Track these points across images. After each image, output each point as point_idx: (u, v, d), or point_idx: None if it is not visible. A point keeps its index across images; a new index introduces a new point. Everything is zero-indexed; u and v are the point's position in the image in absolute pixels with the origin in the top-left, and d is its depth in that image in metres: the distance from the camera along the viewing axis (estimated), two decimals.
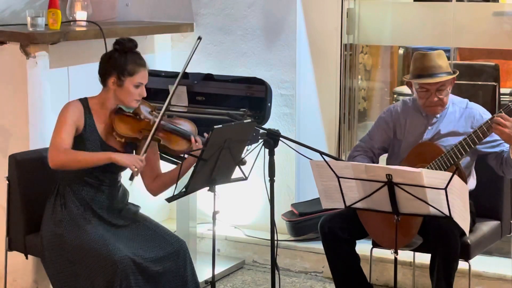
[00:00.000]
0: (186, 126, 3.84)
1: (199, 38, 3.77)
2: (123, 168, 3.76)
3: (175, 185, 3.67)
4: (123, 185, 3.86)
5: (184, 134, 3.79)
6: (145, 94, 3.73)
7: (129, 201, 3.90)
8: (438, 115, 4.02)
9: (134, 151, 3.81)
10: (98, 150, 3.68)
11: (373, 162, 4.13)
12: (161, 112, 3.69)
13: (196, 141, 3.73)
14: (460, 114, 4.02)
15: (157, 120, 3.68)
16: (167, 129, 3.77)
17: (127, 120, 3.72)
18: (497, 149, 3.93)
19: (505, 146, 3.89)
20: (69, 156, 3.57)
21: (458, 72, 4.01)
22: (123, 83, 3.67)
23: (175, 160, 4.45)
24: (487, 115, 3.94)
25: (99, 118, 3.72)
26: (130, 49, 3.71)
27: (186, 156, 3.75)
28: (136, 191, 4.10)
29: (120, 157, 3.59)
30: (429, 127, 4.03)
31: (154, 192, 3.86)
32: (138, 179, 3.79)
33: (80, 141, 3.67)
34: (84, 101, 3.73)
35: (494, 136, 3.86)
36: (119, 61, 3.67)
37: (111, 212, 3.74)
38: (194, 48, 3.72)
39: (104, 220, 3.70)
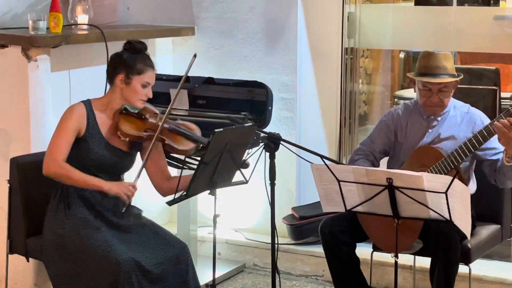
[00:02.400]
0: (191, 128, 3.88)
1: (195, 55, 3.82)
2: (125, 170, 3.79)
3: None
4: None
5: (188, 135, 3.82)
6: (151, 95, 3.77)
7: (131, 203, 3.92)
8: (439, 118, 4.03)
9: (139, 153, 3.84)
10: (102, 151, 3.71)
11: (374, 166, 4.13)
12: (166, 111, 3.73)
13: None
14: (461, 119, 4.02)
15: (162, 120, 3.72)
16: (172, 129, 3.80)
17: (132, 120, 3.75)
18: (493, 157, 3.93)
19: (501, 155, 3.89)
20: (63, 172, 3.63)
21: (462, 76, 4.02)
22: (131, 81, 3.70)
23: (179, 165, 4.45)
24: (487, 122, 3.93)
25: (103, 119, 3.75)
26: (140, 50, 3.76)
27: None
28: (137, 194, 4.11)
29: (108, 187, 3.64)
30: (429, 130, 4.04)
31: (165, 193, 3.88)
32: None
33: (83, 143, 3.69)
34: (87, 104, 3.75)
35: (493, 144, 3.86)
36: (129, 59, 3.72)
37: (115, 213, 3.75)
38: (190, 65, 3.78)
39: (108, 221, 3.71)
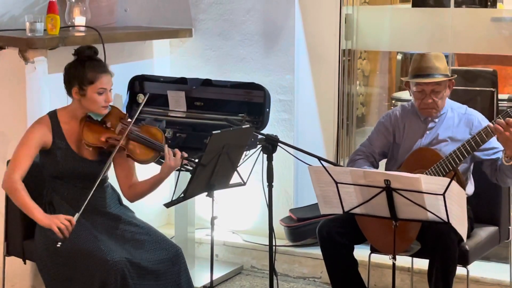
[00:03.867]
0: (153, 133, 3.78)
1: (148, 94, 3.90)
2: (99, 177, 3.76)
3: (173, 190, 3.67)
4: (112, 186, 3.88)
5: (149, 144, 3.74)
6: (111, 100, 3.71)
7: (123, 204, 3.91)
8: (436, 120, 4.03)
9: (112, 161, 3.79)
10: (70, 162, 3.69)
11: (374, 167, 4.14)
12: (130, 123, 3.70)
13: (169, 153, 3.69)
14: (458, 120, 4.03)
15: (125, 133, 3.67)
16: (133, 138, 3.73)
17: (94, 128, 3.70)
18: (493, 157, 3.93)
19: (501, 154, 3.89)
20: (13, 192, 3.59)
21: (456, 76, 4.02)
22: (85, 92, 3.66)
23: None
24: (485, 122, 3.94)
25: (70, 130, 3.72)
26: (89, 57, 3.70)
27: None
28: None
29: (40, 218, 3.54)
30: (427, 132, 4.04)
31: (131, 199, 3.85)
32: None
33: (52, 155, 3.69)
34: (53, 115, 3.74)
35: (492, 144, 3.86)
36: (78, 70, 3.67)
37: (102, 213, 3.75)
38: (143, 103, 3.81)
39: (99, 212, 3.72)
